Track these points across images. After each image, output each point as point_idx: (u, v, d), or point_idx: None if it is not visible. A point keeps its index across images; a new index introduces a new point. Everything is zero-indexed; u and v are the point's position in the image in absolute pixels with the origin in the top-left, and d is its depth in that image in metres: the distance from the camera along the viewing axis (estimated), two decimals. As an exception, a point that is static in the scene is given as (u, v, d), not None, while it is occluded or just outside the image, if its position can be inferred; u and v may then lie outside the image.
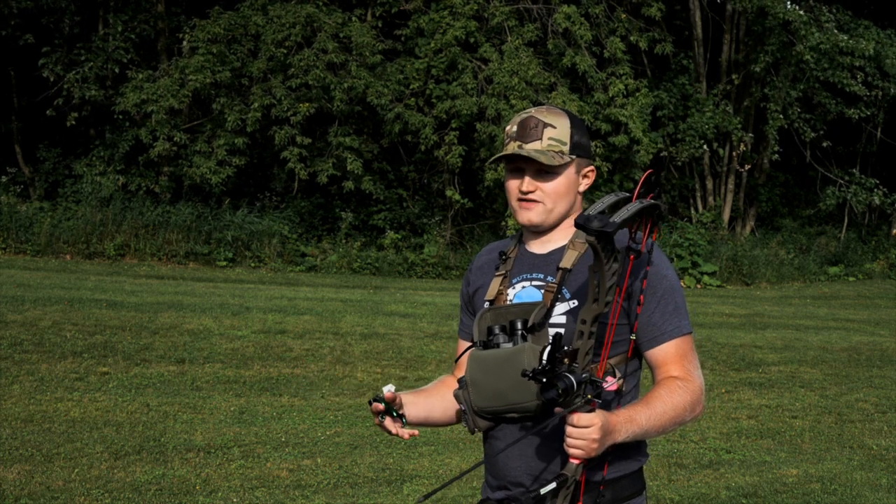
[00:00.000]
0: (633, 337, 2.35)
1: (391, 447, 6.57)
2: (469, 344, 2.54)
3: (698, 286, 17.23)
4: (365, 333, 9.97)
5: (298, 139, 15.80)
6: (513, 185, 2.46)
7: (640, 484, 2.45)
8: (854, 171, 20.57)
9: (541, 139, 2.41)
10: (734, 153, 19.79)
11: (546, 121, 2.42)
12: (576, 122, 2.45)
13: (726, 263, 18.08)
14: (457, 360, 2.60)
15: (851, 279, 19.09)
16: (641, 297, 2.35)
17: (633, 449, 2.40)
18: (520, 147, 2.41)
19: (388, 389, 2.34)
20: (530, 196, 2.43)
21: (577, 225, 2.17)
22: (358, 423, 7.13)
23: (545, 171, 2.41)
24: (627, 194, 2.29)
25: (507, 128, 2.47)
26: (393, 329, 10.24)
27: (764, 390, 8.82)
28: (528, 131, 2.42)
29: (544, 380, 2.11)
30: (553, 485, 2.20)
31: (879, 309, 15.04)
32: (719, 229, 19.35)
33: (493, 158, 2.48)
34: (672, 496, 5.84)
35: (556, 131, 2.41)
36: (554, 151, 2.40)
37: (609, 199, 2.27)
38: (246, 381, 8.09)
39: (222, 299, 11.46)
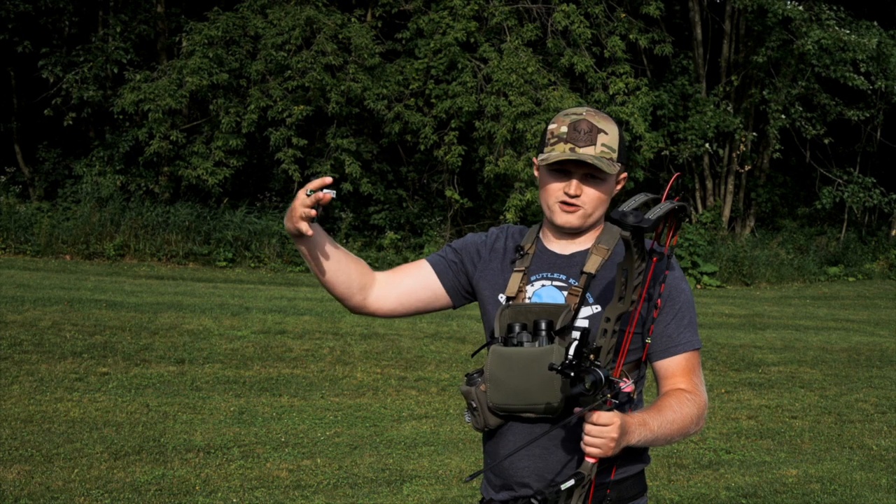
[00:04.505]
0: (648, 341, 2.35)
1: (391, 447, 6.57)
2: (425, 267, 2.57)
3: (698, 286, 17.23)
4: (365, 334, 9.96)
5: (294, 140, 15.77)
6: (556, 186, 2.40)
7: (643, 485, 2.46)
8: (852, 170, 20.57)
9: (594, 144, 2.36)
10: (734, 153, 19.79)
11: (599, 126, 2.38)
12: (620, 129, 2.44)
13: (726, 264, 18.07)
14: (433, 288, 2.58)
15: (851, 279, 19.09)
16: (658, 300, 2.36)
17: (637, 451, 2.40)
18: (572, 150, 2.36)
19: (329, 192, 2.35)
20: (576, 200, 2.39)
21: (614, 220, 2.16)
22: (358, 424, 7.13)
23: (593, 177, 2.38)
24: (655, 195, 2.29)
25: (552, 127, 2.40)
26: (393, 329, 10.23)
27: (764, 390, 8.82)
28: (581, 135, 2.37)
29: (572, 374, 2.09)
30: (572, 481, 2.20)
31: (879, 309, 15.03)
32: (719, 229, 19.34)
33: (552, 160, 2.35)
34: (672, 496, 5.84)
35: (607, 137, 2.38)
36: (606, 158, 2.37)
37: (640, 199, 2.27)
38: (246, 382, 8.09)
39: (222, 299, 11.46)
